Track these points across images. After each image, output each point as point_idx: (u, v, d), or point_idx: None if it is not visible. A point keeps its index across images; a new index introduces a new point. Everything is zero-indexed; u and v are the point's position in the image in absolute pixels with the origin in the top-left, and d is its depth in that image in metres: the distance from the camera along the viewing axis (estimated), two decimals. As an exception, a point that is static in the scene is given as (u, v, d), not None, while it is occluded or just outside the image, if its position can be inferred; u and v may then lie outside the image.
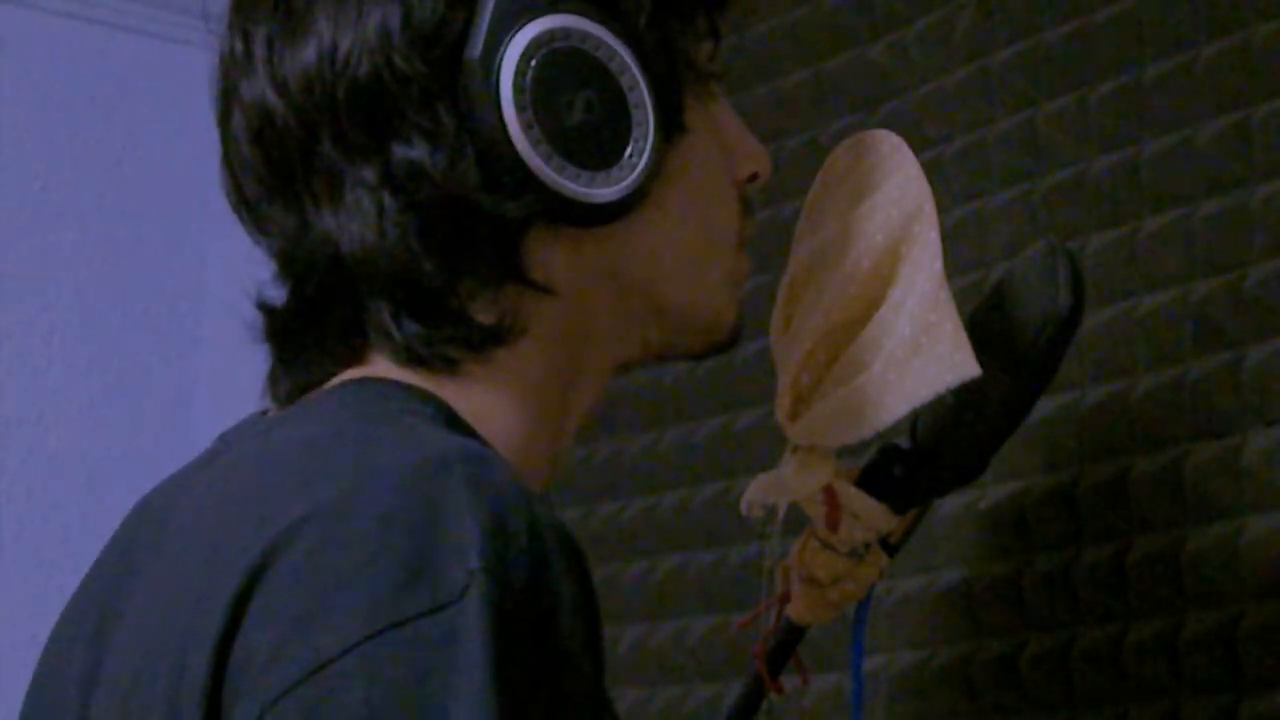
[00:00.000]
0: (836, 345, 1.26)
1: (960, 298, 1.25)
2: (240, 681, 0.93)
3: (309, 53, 1.08)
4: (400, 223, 1.06)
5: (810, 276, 1.30)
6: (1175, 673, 1.43)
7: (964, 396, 1.25)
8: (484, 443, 1.05)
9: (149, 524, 1.11)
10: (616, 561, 1.91)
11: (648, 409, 1.93)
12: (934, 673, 1.60)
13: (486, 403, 1.09)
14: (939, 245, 1.23)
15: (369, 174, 1.06)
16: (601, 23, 1.09)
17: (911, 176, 1.25)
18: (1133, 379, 1.51)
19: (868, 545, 1.34)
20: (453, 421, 1.05)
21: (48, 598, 2.44)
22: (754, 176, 1.19)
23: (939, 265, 1.23)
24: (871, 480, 1.34)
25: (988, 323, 1.32)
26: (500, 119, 1.06)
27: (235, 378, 2.51)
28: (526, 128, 1.06)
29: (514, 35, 1.07)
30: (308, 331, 1.11)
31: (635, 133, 1.09)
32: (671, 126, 1.12)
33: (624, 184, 1.09)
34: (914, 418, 1.34)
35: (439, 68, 1.06)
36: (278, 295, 1.13)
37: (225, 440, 1.14)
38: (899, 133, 1.29)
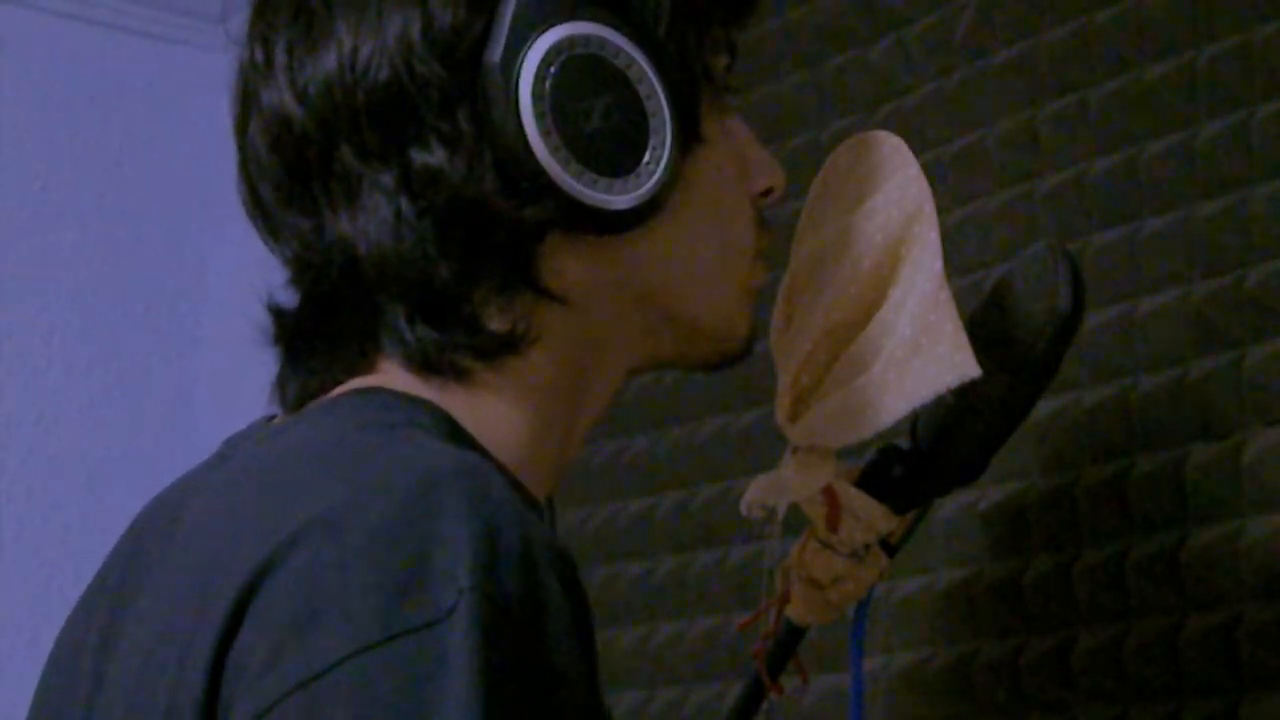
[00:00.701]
0: (836, 346, 1.26)
1: (960, 298, 1.25)
2: (234, 689, 0.93)
3: (329, 60, 1.08)
4: (417, 227, 1.06)
5: (810, 277, 1.30)
6: (1175, 673, 1.43)
7: (964, 397, 1.25)
8: (485, 454, 1.05)
9: (156, 529, 1.11)
10: (616, 561, 1.91)
11: (648, 409, 1.93)
12: (934, 673, 1.60)
13: (493, 411, 1.09)
14: (939, 246, 1.23)
15: (387, 179, 1.06)
16: (620, 30, 1.09)
17: (911, 177, 1.25)
18: (1133, 379, 1.51)
19: (868, 546, 1.34)
20: (454, 433, 1.05)
21: (48, 598, 2.45)
22: (768, 191, 1.19)
23: (939, 266, 1.23)
24: (871, 481, 1.34)
25: (988, 323, 1.32)
26: (519, 124, 1.06)
27: (235, 378, 2.52)
28: (545, 134, 1.06)
29: (534, 41, 1.07)
30: (319, 336, 1.11)
31: (653, 140, 1.09)
32: (688, 136, 1.12)
33: (641, 191, 1.09)
34: (914, 418, 1.34)
35: (458, 73, 1.06)
36: (288, 299, 1.13)
37: (231, 445, 1.14)
38: (899, 133, 1.29)
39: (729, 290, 1.17)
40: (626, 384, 1.18)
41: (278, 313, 1.13)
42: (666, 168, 1.10)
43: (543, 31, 1.07)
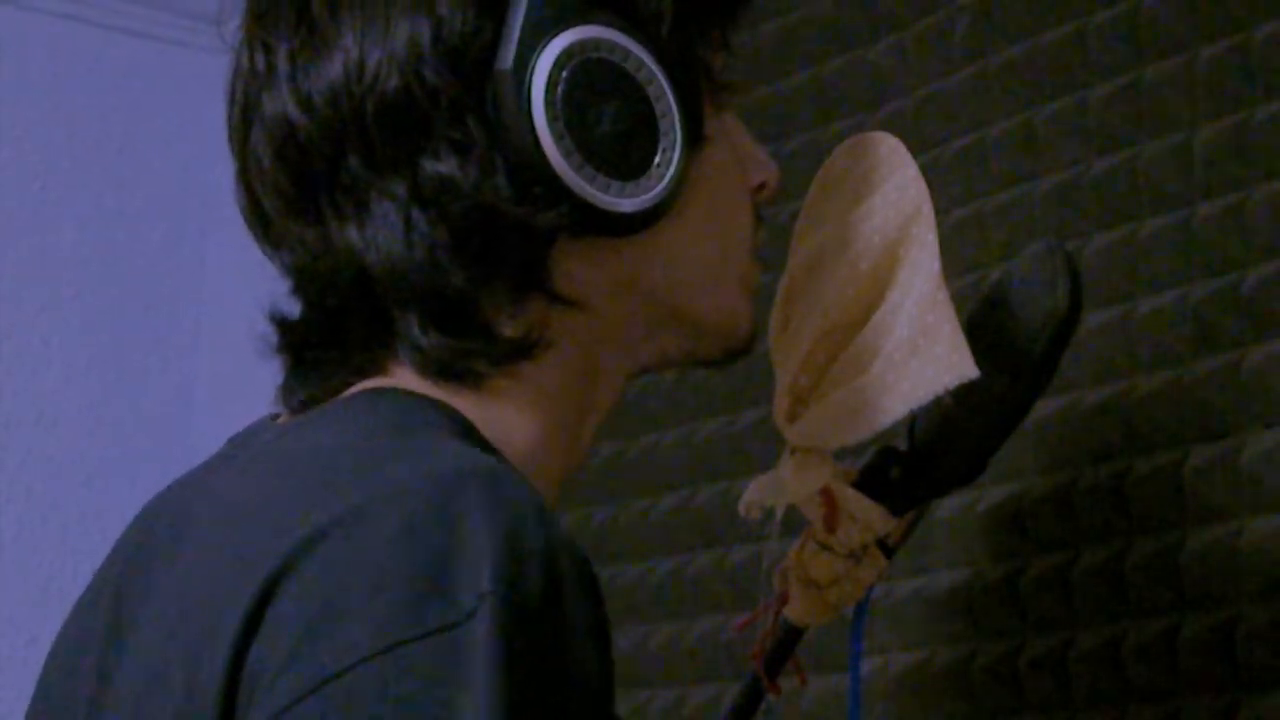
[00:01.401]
0: (835, 347, 1.26)
1: (959, 299, 1.25)
2: (253, 690, 0.93)
3: (335, 68, 1.07)
4: (429, 236, 1.06)
5: (809, 278, 1.30)
6: (1174, 674, 1.42)
7: (962, 398, 1.24)
8: (499, 456, 1.05)
9: (160, 528, 1.10)
10: (616, 562, 1.91)
11: (647, 410, 1.93)
12: (932, 674, 1.60)
13: (504, 414, 1.09)
14: (937, 246, 1.23)
15: (398, 188, 1.06)
16: (627, 33, 1.09)
17: (910, 178, 1.25)
18: (1132, 380, 1.51)
19: (866, 547, 1.34)
20: (468, 433, 1.05)
21: (47, 598, 2.45)
22: (762, 186, 1.19)
23: (937, 266, 1.23)
24: (869, 482, 1.34)
25: (986, 324, 1.32)
26: (532, 130, 1.06)
27: (235, 378, 2.51)
28: (558, 138, 1.06)
29: (545, 46, 1.07)
30: (327, 345, 1.11)
31: (663, 142, 1.10)
32: (694, 136, 1.12)
33: (653, 193, 1.09)
34: (912, 419, 1.33)
35: (469, 80, 1.06)
36: (291, 308, 1.13)
37: (235, 444, 1.14)
38: (898, 134, 1.29)
39: (732, 286, 1.17)
40: (626, 385, 1.18)
41: (281, 322, 1.13)
42: (677, 169, 1.10)
43: (553, 36, 1.07)
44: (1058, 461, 1.54)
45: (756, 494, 1.33)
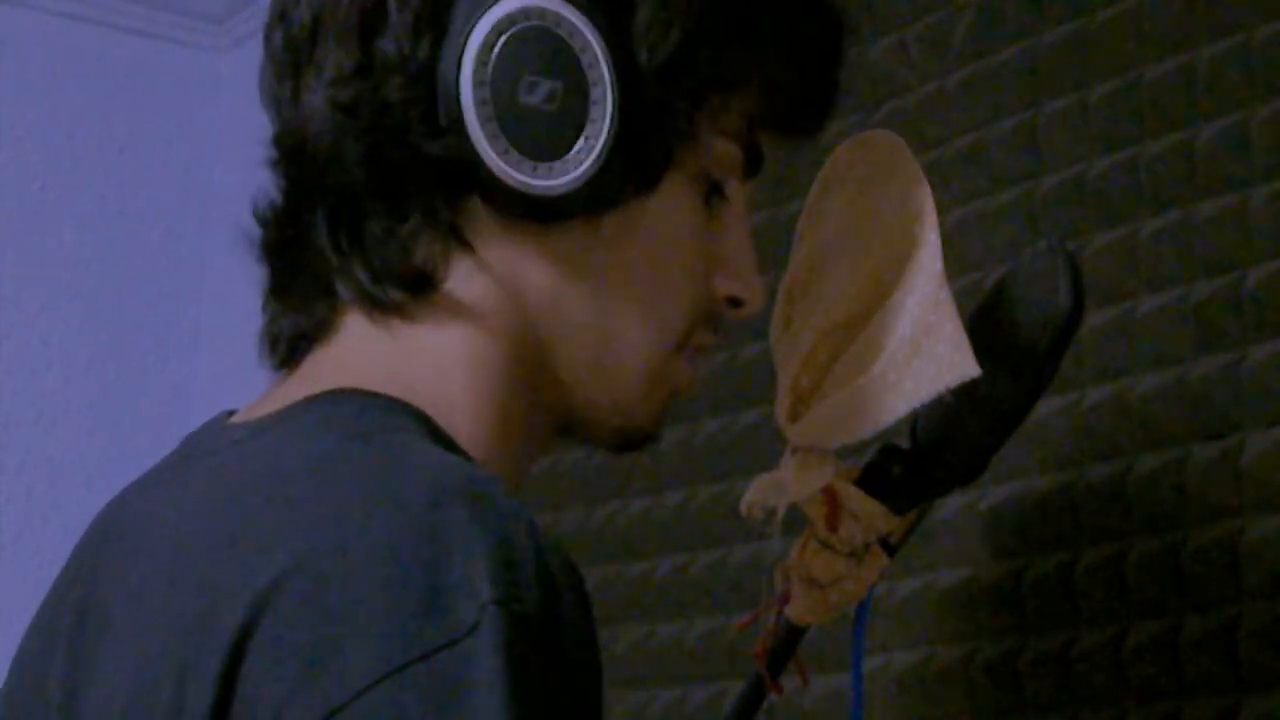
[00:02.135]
0: (837, 346, 1.26)
1: (960, 298, 1.25)
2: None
3: None
4: (349, 123, 1.07)
5: (810, 277, 1.30)
6: (1175, 674, 1.43)
7: (964, 397, 1.24)
8: (464, 455, 1.04)
9: (120, 535, 1.10)
10: (616, 561, 1.91)
11: (648, 409, 1.92)
12: (934, 673, 1.60)
13: (453, 391, 1.09)
14: (939, 246, 1.23)
15: (347, 65, 1.08)
16: (597, 28, 1.08)
17: (912, 177, 1.25)
18: (1133, 379, 1.51)
19: (867, 546, 1.34)
20: (434, 435, 1.04)
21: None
22: (737, 302, 1.17)
23: (939, 266, 1.23)
24: (871, 481, 1.34)
25: (988, 323, 1.32)
26: (458, 67, 1.06)
27: (235, 378, 2.51)
28: (478, 84, 1.06)
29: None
30: (288, 248, 1.12)
31: (587, 132, 1.08)
32: (638, 172, 1.10)
33: (556, 182, 1.07)
34: (914, 418, 1.33)
35: (434, 3, 1.08)
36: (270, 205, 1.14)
37: (192, 444, 1.13)
38: (899, 133, 1.29)
39: (637, 360, 1.14)
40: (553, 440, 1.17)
41: (259, 218, 1.14)
42: (592, 169, 1.08)
43: None
44: (1059, 461, 1.54)
45: (758, 493, 1.32)
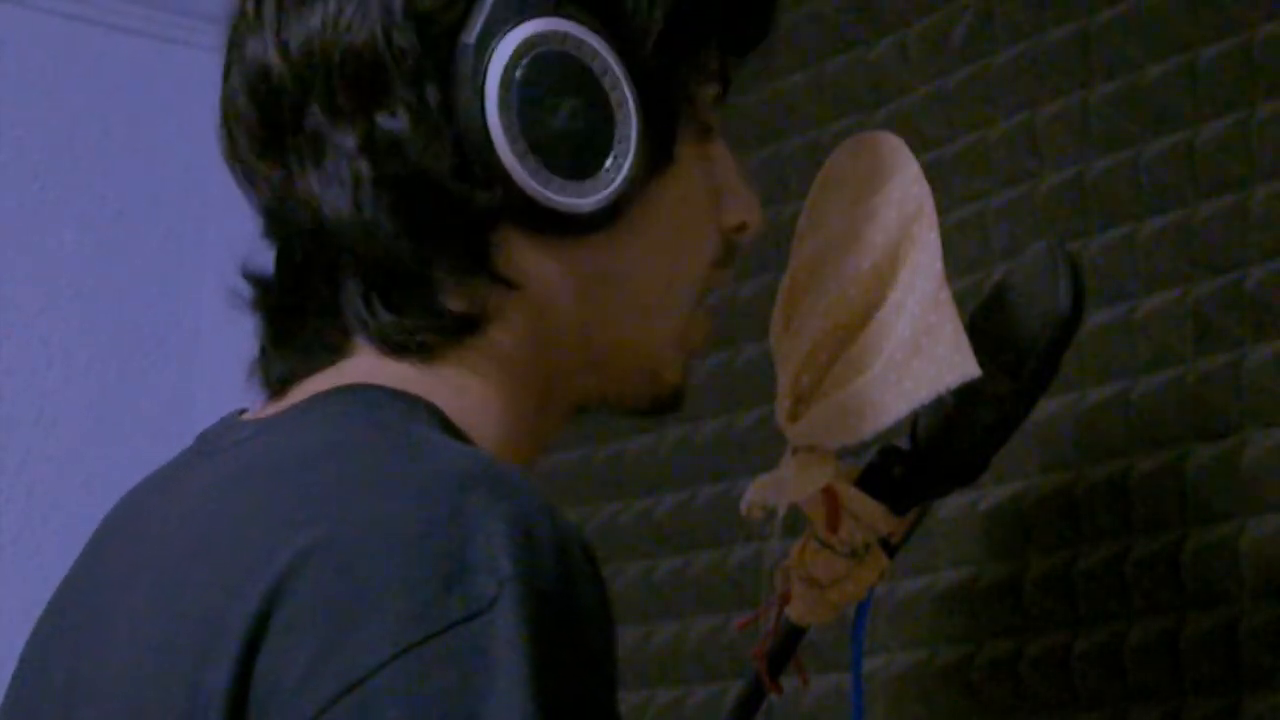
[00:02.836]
0: (836, 346, 1.26)
1: (960, 299, 1.25)
2: (269, 703, 0.92)
3: (315, 18, 1.08)
4: (374, 196, 1.06)
5: (810, 278, 1.30)
6: (1175, 674, 1.43)
7: (964, 397, 1.25)
8: (475, 446, 1.05)
9: (132, 531, 1.10)
10: (616, 561, 1.91)
11: (648, 409, 1.92)
12: (934, 674, 1.60)
13: (465, 396, 1.09)
14: (939, 246, 1.23)
15: (350, 141, 1.07)
16: (601, 35, 1.09)
17: (911, 177, 1.25)
18: (1133, 380, 1.51)
19: (868, 546, 1.34)
20: (448, 427, 1.05)
21: (47, 599, 2.45)
22: (742, 226, 1.18)
23: (939, 266, 1.23)
24: (871, 481, 1.34)
25: (988, 323, 1.32)
26: (482, 109, 1.06)
27: (235, 378, 2.51)
28: (506, 124, 1.06)
29: (510, 29, 1.07)
30: (295, 310, 1.11)
31: (616, 149, 1.09)
32: (659, 155, 1.11)
33: (596, 198, 1.08)
34: (914, 419, 1.33)
35: (433, 47, 1.07)
36: (265, 263, 1.13)
37: (206, 441, 1.13)
38: (899, 134, 1.29)
39: (668, 325, 1.15)
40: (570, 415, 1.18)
41: (255, 279, 1.13)
42: (626, 179, 1.09)
43: (521, 22, 1.07)
44: (1059, 461, 1.54)
45: (758, 493, 1.33)
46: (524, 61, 1.07)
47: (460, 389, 1.09)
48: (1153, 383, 1.49)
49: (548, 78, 1.07)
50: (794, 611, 1.37)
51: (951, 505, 1.60)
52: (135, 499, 1.14)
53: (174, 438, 2.78)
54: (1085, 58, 1.59)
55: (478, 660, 0.90)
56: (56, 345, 2.53)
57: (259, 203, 1.12)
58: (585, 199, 1.08)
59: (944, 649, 1.60)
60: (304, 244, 1.09)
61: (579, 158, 1.08)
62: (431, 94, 1.06)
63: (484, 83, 1.06)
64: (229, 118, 1.13)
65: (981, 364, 1.21)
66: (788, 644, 1.39)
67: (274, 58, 1.09)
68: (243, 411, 1.15)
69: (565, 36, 1.08)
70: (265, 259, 1.14)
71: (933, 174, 1.28)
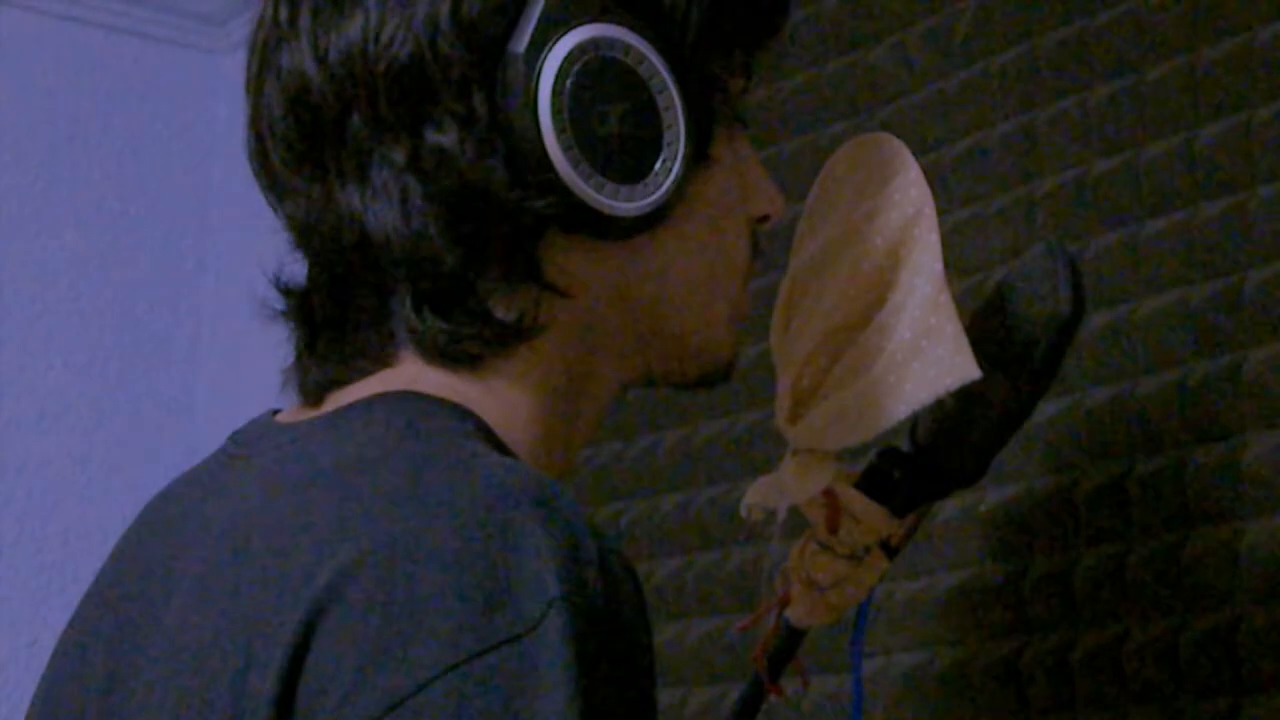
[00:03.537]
0: (837, 348, 1.26)
1: (961, 300, 1.25)
2: (313, 714, 0.92)
3: (354, 29, 1.07)
4: (424, 209, 1.06)
5: (810, 279, 1.30)
6: (1176, 675, 1.43)
7: (964, 399, 1.25)
8: (514, 456, 1.05)
9: (170, 532, 1.10)
10: (617, 563, 1.91)
11: (648, 412, 1.93)
12: (934, 675, 1.60)
13: (509, 410, 1.09)
14: (939, 248, 1.23)
15: (398, 155, 1.06)
16: (646, 39, 1.09)
17: (912, 179, 1.25)
18: (1133, 382, 1.51)
19: (868, 548, 1.34)
20: (490, 438, 1.05)
21: (48, 599, 2.45)
22: (765, 218, 1.19)
23: (939, 268, 1.23)
24: (871, 483, 1.34)
25: (988, 325, 1.32)
26: (535, 118, 1.06)
27: (235, 378, 2.51)
28: (559, 131, 1.06)
29: (560, 37, 1.07)
30: (335, 319, 1.11)
31: (665, 151, 1.09)
32: (700, 153, 1.12)
33: (647, 200, 1.09)
34: (914, 421, 1.33)
35: (481, 58, 1.06)
36: (295, 274, 1.13)
37: (240, 443, 1.13)
38: (898, 134, 1.29)
39: (719, 310, 1.17)
40: (615, 397, 1.18)
41: (287, 290, 1.13)
42: (675, 181, 1.10)
43: (570, 29, 1.07)
44: (1059, 463, 1.54)
45: (758, 495, 1.32)
46: (575, 69, 1.07)
47: (504, 396, 1.09)
48: (1153, 384, 1.49)
49: (598, 84, 1.07)
50: (794, 613, 1.37)
51: (952, 507, 1.60)
52: (171, 498, 1.14)
53: (174, 438, 2.79)
54: (1085, 60, 1.59)
55: (523, 680, 0.90)
56: (56, 345, 2.53)
57: (292, 216, 1.11)
58: (637, 202, 1.08)
59: (944, 651, 1.60)
60: (346, 258, 1.09)
61: (631, 161, 1.08)
62: (480, 105, 1.06)
63: (536, 92, 1.06)
64: (260, 129, 1.12)
65: (982, 366, 1.21)
66: (788, 646, 1.39)
67: (312, 69, 1.08)
68: (275, 412, 1.14)
69: (613, 42, 1.08)
70: (292, 270, 1.13)
71: (933, 175, 1.28)
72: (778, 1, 1.18)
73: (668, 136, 1.10)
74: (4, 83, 2.52)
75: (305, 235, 1.11)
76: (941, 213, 1.26)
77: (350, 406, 1.08)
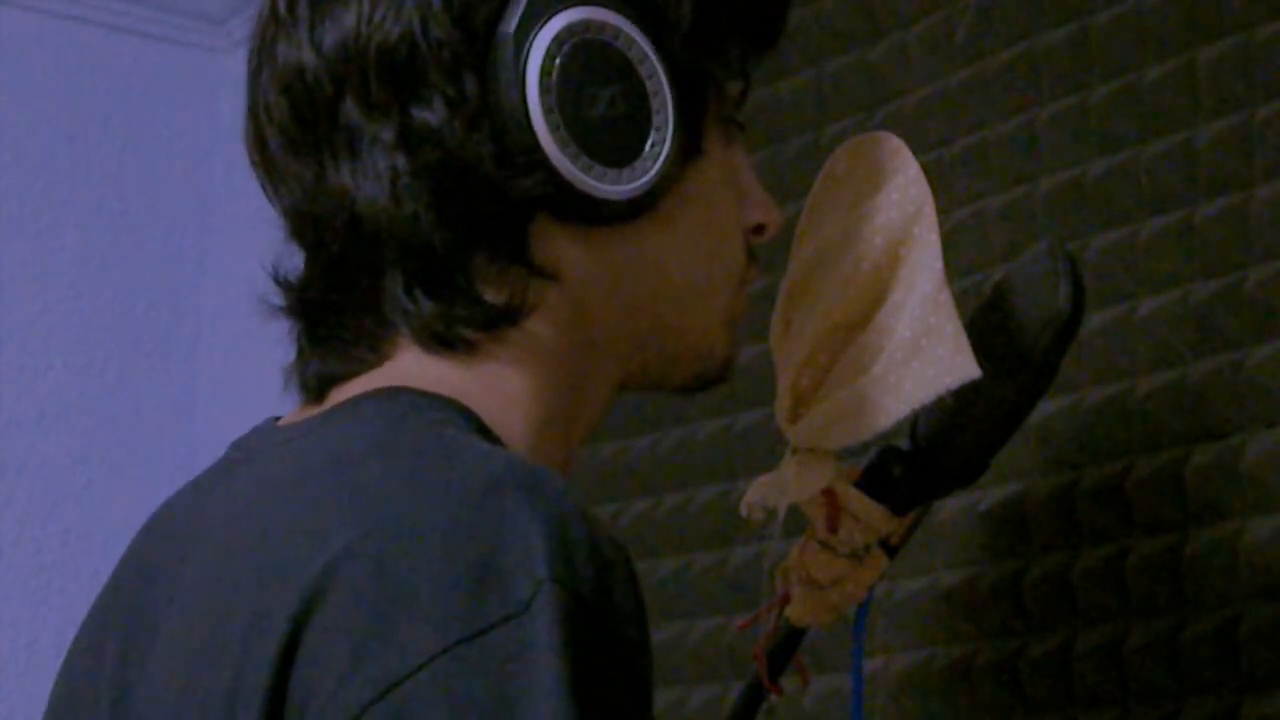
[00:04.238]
0: (837, 347, 1.26)
1: (960, 299, 1.26)
2: (308, 704, 0.93)
3: (349, 17, 1.09)
4: (412, 187, 1.06)
5: (810, 279, 1.30)
6: (1175, 674, 1.43)
7: (964, 398, 1.25)
8: (509, 447, 1.05)
9: (173, 537, 1.10)
10: (616, 562, 1.91)
11: (648, 411, 1.93)
12: (934, 674, 1.60)
13: (504, 404, 1.09)
14: (939, 247, 1.23)
15: (387, 133, 1.07)
16: (636, 23, 1.10)
17: (912, 179, 1.25)
18: (1133, 381, 1.51)
19: (868, 547, 1.34)
20: (482, 430, 1.05)
21: (48, 599, 2.45)
22: (761, 229, 1.19)
23: (939, 267, 1.23)
24: (871, 482, 1.34)
25: (988, 325, 1.32)
26: (522, 97, 1.06)
27: (235, 378, 2.51)
28: (546, 111, 1.07)
29: (549, 19, 1.07)
30: (330, 308, 1.11)
31: (653, 136, 1.10)
32: (690, 145, 1.12)
33: (634, 185, 1.09)
34: (914, 419, 1.34)
35: (471, 38, 1.07)
36: (293, 268, 1.13)
37: (241, 449, 1.13)
38: (899, 135, 1.29)
39: (714, 309, 1.17)
40: (611, 399, 1.18)
41: (285, 284, 1.13)
42: (663, 166, 1.10)
43: (559, 11, 1.08)
44: (1059, 461, 1.54)
45: (758, 494, 1.33)
46: (563, 50, 1.07)
47: (498, 387, 1.09)
48: (1153, 383, 1.49)
49: (587, 66, 1.08)
50: (794, 612, 1.37)
51: (951, 506, 1.60)
52: (175, 505, 1.15)
53: (175, 438, 2.79)
54: (1085, 58, 1.59)
55: (514, 662, 0.90)
56: (56, 345, 2.53)
57: (286, 203, 1.12)
58: (624, 186, 1.09)
59: (944, 649, 1.60)
60: (339, 240, 1.09)
61: (618, 145, 1.09)
62: (469, 84, 1.07)
63: (525, 71, 1.07)
64: (258, 118, 1.12)
65: (981, 365, 1.21)
66: (788, 645, 1.39)
67: (308, 56, 1.09)
68: (277, 419, 1.15)
69: (603, 25, 1.09)
70: (290, 265, 1.13)
71: (932, 174, 1.28)
72: (772, 7, 1.18)
73: (656, 121, 1.10)
74: (4, 83, 2.52)
75: (299, 221, 1.12)
76: (941, 212, 1.26)
77: (340, 405, 1.08)
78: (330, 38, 1.09)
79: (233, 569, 1.01)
